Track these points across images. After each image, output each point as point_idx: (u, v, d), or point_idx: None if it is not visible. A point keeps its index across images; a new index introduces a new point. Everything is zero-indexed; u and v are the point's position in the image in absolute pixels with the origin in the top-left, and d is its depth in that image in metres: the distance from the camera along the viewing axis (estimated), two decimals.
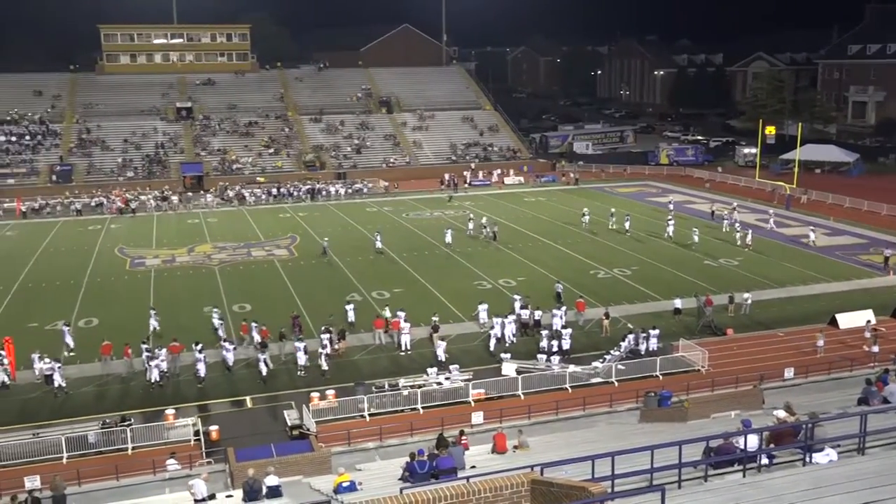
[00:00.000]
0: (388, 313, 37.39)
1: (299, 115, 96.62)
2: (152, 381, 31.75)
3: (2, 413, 29.73)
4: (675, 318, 38.49)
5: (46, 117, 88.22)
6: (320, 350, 33.23)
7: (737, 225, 57.31)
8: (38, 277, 48.17)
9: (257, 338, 35.09)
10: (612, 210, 61.69)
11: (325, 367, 32.90)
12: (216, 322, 37.68)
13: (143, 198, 73.30)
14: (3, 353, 32.65)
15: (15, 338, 34.28)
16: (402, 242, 55.30)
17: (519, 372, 31.54)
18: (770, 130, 79.97)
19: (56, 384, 31.33)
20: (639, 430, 25.02)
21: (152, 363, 32.00)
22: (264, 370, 32.49)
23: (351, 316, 38.02)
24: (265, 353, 33.07)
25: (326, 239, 54.58)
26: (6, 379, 32.05)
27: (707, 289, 41.90)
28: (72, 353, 34.93)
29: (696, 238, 54.25)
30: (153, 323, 38.09)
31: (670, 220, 57.77)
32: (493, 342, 35.37)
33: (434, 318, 36.74)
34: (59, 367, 31.68)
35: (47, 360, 32.27)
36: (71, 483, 23.65)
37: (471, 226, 58.58)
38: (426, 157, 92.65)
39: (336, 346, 34.65)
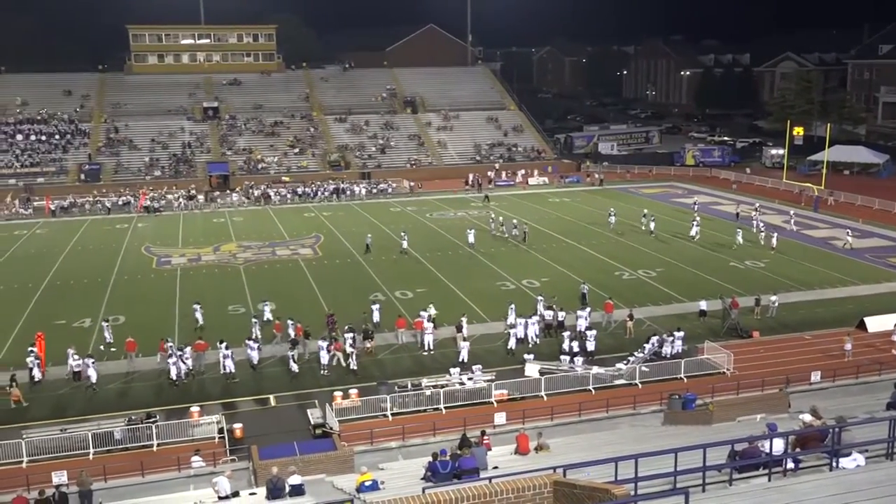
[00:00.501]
0: (432, 310, 37.45)
1: (324, 114, 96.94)
2: (174, 378, 31.93)
3: (31, 408, 30.09)
4: (700, 321, 38.19)
5: (75, 117, 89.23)
6: (349, 349, 33.41)
7: (760, 225, 56.86)
8: (67, 275, 48.67)
9: (291, 334, 35.39)
10: (645, 211, 61.06)
11: (353, 366, 32.99)
12: (268, 315, 38.44)
13: (169, 197, 74.16)
14: (34, 349, 33.04)
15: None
16: (425, 242, 55.27)
17: (542, 373, 31.41)
18: (798, 131, 78.94)
19: (90, 380, 31.70)
20: (662, 433, 24.87)
21: (170, 360, 32.18)
22: (295, 367, 32.60)
23: (376, 316, 38.02)
24: (295, 350, 33.21)
25: (370, 236, 54.90)
26: (38, 374, 32.49)
27: (733, 291, 41.50)
28: (112, 349, 35.32)
29: (739, 240, 53.26)
30: (198, 317, 38.58)
31: (695, 221, 57.23)
32: (512, 341, 35.26)
33: (462, 319, 36.67)
34: (92, 363, 32.05)
35: (76, 356, 32.72)
36: (97, 478, 23.84)
37: (492, 226, 58.39)
38: (450, 158, 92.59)
39: (367, 346, 34.84)
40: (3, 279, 47.85)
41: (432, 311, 37.51)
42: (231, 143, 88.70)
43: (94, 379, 31.80)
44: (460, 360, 33.05)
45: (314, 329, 36.12)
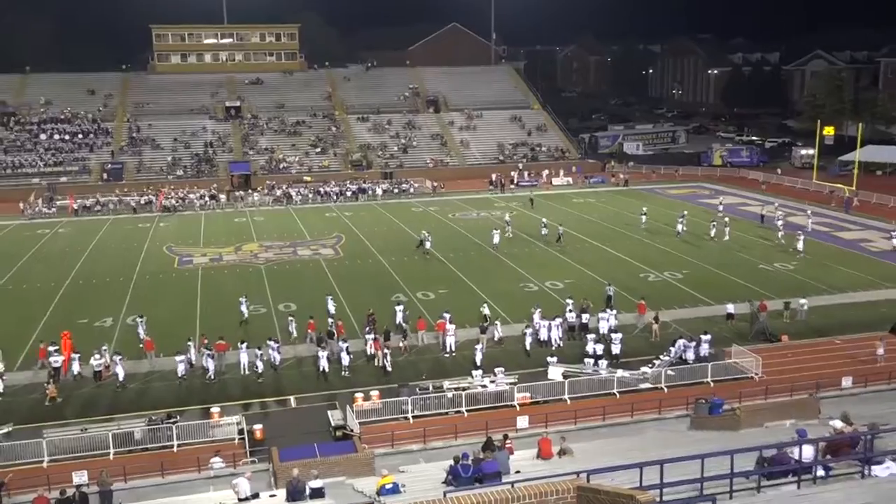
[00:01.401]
0: (486, 310, 38.04)
1: (346, 114, 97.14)
2: (211, 376, 32.46)
3: (52, 408, 30.34)
4: (727, 324, 37.82)
5: (98, 116, 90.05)
6: (384, 351, 33.57)
7: (779, 223, 56.35)
8: (89, 274, 49.09)
9: (334, 333, 35.82)
10: (685, 213, 60.07)
11: (388, 367, 33.09)
12: (331, 309, 39.05)
13: (191, 196, 74.91)
14: (54, 348, 33.16)
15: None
16: (448, 243, 55.27)
17: (565, 376, 31.29)
18: (828, 131, 78.04)
19: (118, 378, 32.07)
20: (688, 438, 24.64)
21: (178, 358, 32.57)
22: (325, 365, 32.66)
23: (399, 317, 37.99)
24: (326, 350, 33.26)
25: (425, 231, 54.87)
26: (77, 369, 32.69)
27: (761, 293, 41.10)
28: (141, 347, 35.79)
29: (800, 245, 51.25)
30: (243, 310, 39.38)
31: (725, 222, 56.78)
32: (528, 340, 35.21)
33: (486, 313, 36.84)
34: (119, 359, 32.42)
35: (97, 356, 32.94)
36: (117, 479, 23.99)
37: (508, 229, 57.91)
38: (473, 157, 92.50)
39: (401, 345, 35.10)
40: (26, 278, 48.32)
41: (486, 310, 38.10)
42: (253, 143, 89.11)
43: (121, 377, 32.14)
44: (477, 363, 32.88)
45: (361, 329, 36.31)
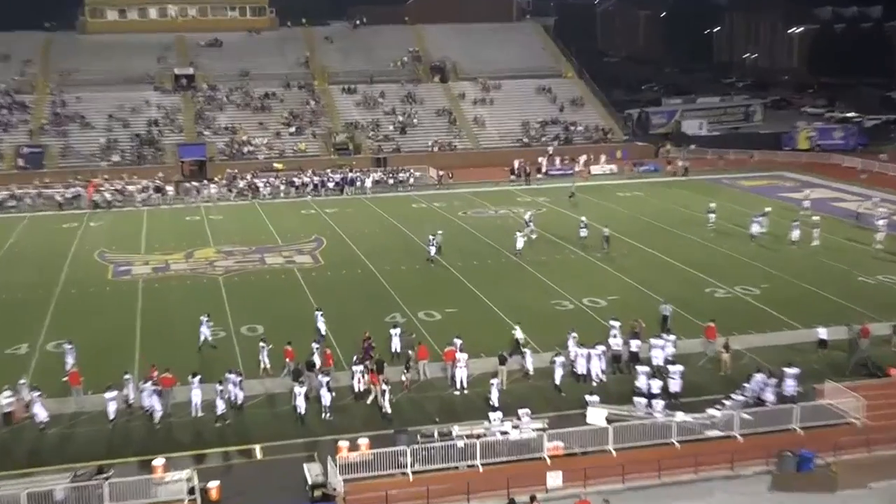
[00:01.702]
0: (519, 333, 37.67)
1: (329, 84, 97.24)
2: (112, 418, 31.97)
3: None
4: (818, 353, 37.37)
5: (13, 87, 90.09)
6: (384, 386, 33.24)
7: (881, 223, 56.33)
8: None
9: (318, 362, 35.39)
10: (767, 210, 60.26)
11: (387, 408, 32.61)
12: (322, 328, 39.22)
13: (130, 188, 74.72)
14: None
15: None
16: (458, 248, 55.13)
17: (610, 420, 30.90)
18: None
19: (36, 419, 31.64)
20: (771, 502, 24.38)
21: (108, 395, 32.11)
22: (302, 406, 32.24)
23: (395, 343, 37.87)
24: (304, 386, 32.83)
25: (440, 232, 55.12)
26: None
27: (861, 314, 40.54)
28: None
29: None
30: (205, 332, 38.76)
31: (813, 222, 56.66)
32: (560, 374, 34.91)
33: (518, 337, 36.69)
34: (38, 397, 31.98)
35: (7, 393, 32.45)
36: None
37: (528, 228, 57.57)
38: (490, 139, 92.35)
39: (403, 380, 34.75)
40: None
41: (519, 334, 37.66)
42: (209, 121, 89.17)
43: (42, 418, 31.69)
44: (491, 402, 32.62)
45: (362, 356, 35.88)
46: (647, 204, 69.14)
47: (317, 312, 40.69)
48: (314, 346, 36.69)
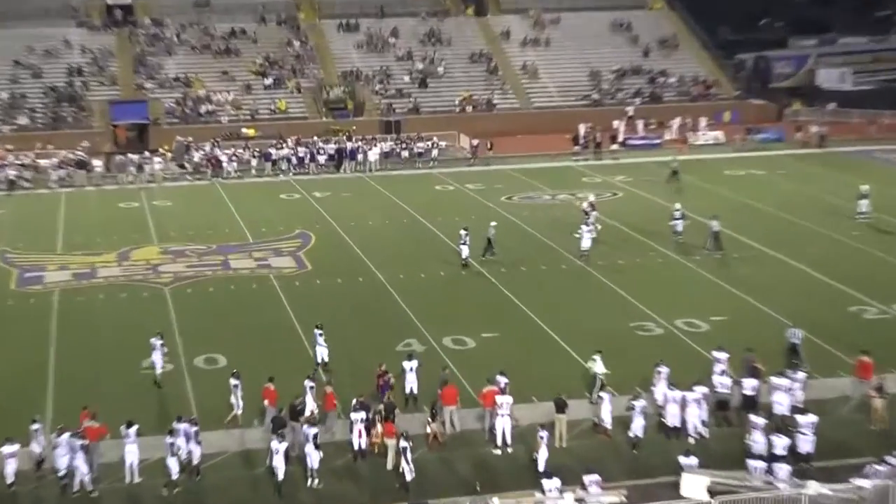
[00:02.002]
0: (599, 366, 36.95)
1: (319, 18, 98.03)
2: (10, 482, 31.33)
3: None
4: None
5: None
6: (402, 444, 32.55)
7: None
8: None
9: (311, 405, 34.88)
10: None
11: (409, 474, 31.75)
12: (321, 355, 39.31)
13: (43, 163, 75.12)
14: None
15: None
16: (500, 249, 54.34)
17: (713, 492, 30.06)
18: None
19: None
20: None
21: (6, 450, 31.30)
22: (282, 468, 31.35)
23: (410, 380, 37.21)
24: (286, 441, 31.99)
25: (494, 223, 54.71)
26: None
27: None
28: None
29: None
30: (156, 361, 38.59)
31: None
32: (641, 425, 34.24)
33: (597, 372, 36.18)
34: None
35: None
36: None
37: (592, 220, 56.82)
38: (545, 96, 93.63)
39: (429, 431, 34.41)
40: None
41: (599, 367, 36.88)
42: (153, 70, 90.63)
43: None
44: (539, 467, 31.90)
45: (373, 398, 35.22)
46: (768, 187, 68.84)
47: (316, 331, 40.05)
48: (307, 383, 35.88)
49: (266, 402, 35.11)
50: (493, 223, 54.89)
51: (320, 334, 39.74)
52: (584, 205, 60.01)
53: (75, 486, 31.76)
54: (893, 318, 44.74)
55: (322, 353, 39.37)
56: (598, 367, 37.13)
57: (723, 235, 55.31)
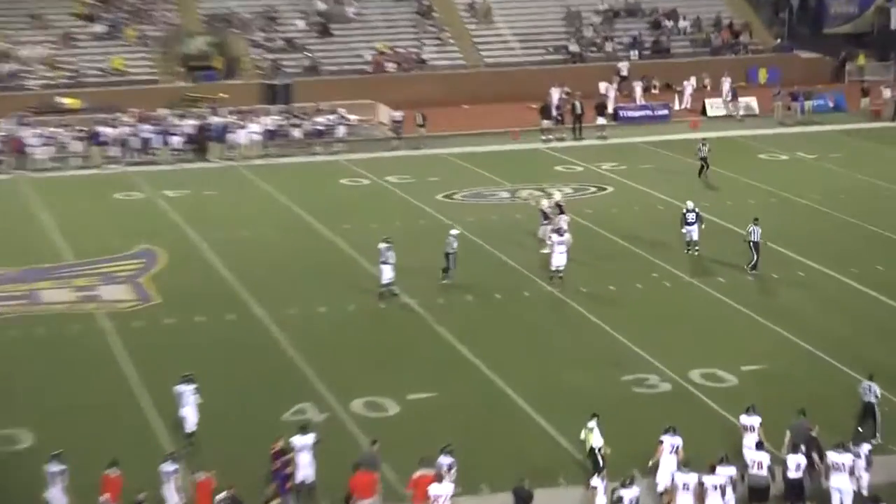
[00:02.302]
0: (597, 437, 35.84)
1: None
2: None
3: None
4: None
5: None
6: None
7: None
8: None
9: (173, 501, 33.50)
10: None
11: None
12: (187, 417, 38.30)
13: None
14: None
15: None
16: (436, 270, 53.65)
17: None
18: None
19: None
20: None
21: None
22: None
23: (304, 464, 35.31)
24: None
25: (454, 232, 53.26)
26: None
27: None
28: None
29: None
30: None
31: None
32: None
33: (595, 446, 35.79)
34: None
35: None
36: None
37: (559, 238, 54.37)
38: (501, 48, 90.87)
39: None
40: None
41: (598, 439, 35.70)
42: None
43: None
44: None
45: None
46: (822, 177, 66.91)
47: (182, 387, 38.02)
48: (165, 467, 34.52)
49: (105, 496, 33.71)
50: (452, 231, 52.91)
51: (192, 391, 37.79)
52: (545, 203, 56.99)
53: None
54: None
55: (191, 418, 37.19)
56: (595, 438, 35.50)
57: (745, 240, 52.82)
